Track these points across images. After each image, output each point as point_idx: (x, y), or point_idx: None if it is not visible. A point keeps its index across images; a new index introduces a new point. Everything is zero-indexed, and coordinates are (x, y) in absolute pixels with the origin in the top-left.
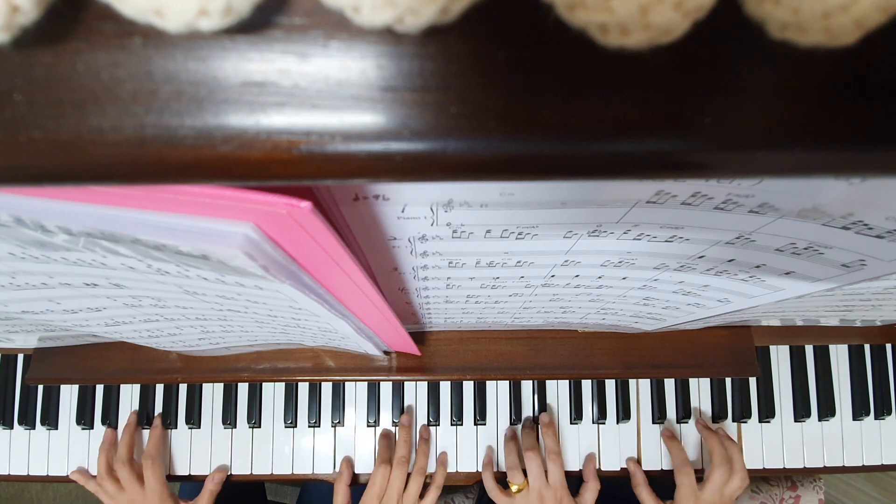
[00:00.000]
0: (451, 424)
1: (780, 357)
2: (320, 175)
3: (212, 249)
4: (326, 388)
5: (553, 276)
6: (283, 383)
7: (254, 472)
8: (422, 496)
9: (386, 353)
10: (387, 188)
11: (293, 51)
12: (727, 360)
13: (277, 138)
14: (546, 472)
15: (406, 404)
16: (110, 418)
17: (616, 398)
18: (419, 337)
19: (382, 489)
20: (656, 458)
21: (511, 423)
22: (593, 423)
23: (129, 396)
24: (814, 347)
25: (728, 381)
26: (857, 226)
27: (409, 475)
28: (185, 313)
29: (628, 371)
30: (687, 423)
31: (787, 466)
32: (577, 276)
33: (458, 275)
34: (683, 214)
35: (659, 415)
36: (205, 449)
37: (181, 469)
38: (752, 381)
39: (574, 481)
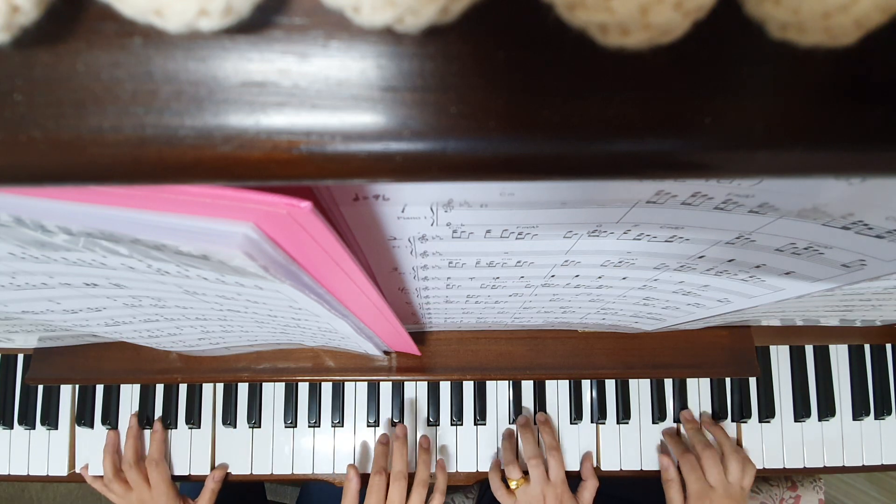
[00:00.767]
0: (451, 424)
1: (780, 357)
2: (320, 175)
3: (212, 249)
4: (326, 388)
5: (553, 276)
6: (283, 383)
7: (254, 472)
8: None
9: (386, 353)
10: (387, 188)
11: (293, 51)
12: (727, 360)
13: (277, 138)
14: (546, 469)
15: (404, 411)
16: (110, 418)
17: (616, 398)
18: (419, 337)
19: (380, 501)
20: (655, 459)
21: (511, 423)
22: (593, 423)
23: (129, 396)
24: (814, 347)
25: (728, 381)
26: (857, 226)
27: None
28: (185, 313)
29: (628, 371)
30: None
31: (787, 466)
32: (577, 276)
33: (458, 275)
34: (683, 214)
35: (659, 415)
36: (205, 449)
37: (181, 469)
38: (752, 381)
39: (574, 481)
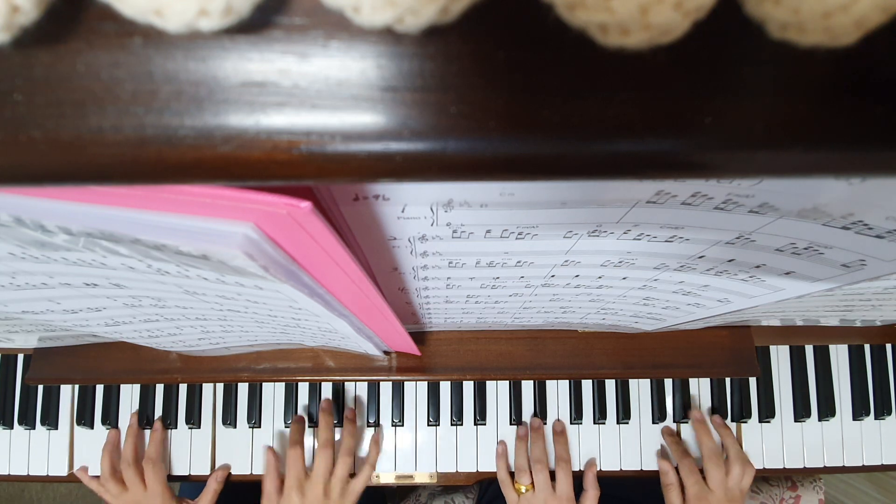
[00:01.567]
0: (451, 424)
1: (780, 357)
2: (320, 175)
3: (212, 249)
4: (326, 389)
5: (553, 276)
6: (283, 383)
7: (254, 472)
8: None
9: (386, 353)
10: (387, 188)
11: (293, 51)
12: (727, 360)
13: (277, 138)
14: (553, 480)
15: (404, 411)
16: (110, 418)
17: (616, 398)
18: (419, 337)
19: (299, 472)
20: (655, 459)
21: (511, 424)
22: (593, 423)
23: (129, 396)
24: (814, 347)
25: (728, 381)
26: (857, 226)
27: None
28: (185, 313)
29: (628, 371)
30: (686, 423)
31: (787, 466)
32: (577, 276)
33: (458, 275)
34: (683, 214)
35: (659, 415)
36: (205, 449)
37: (181, 469)
38: (752, 381)
39: (574, 482)
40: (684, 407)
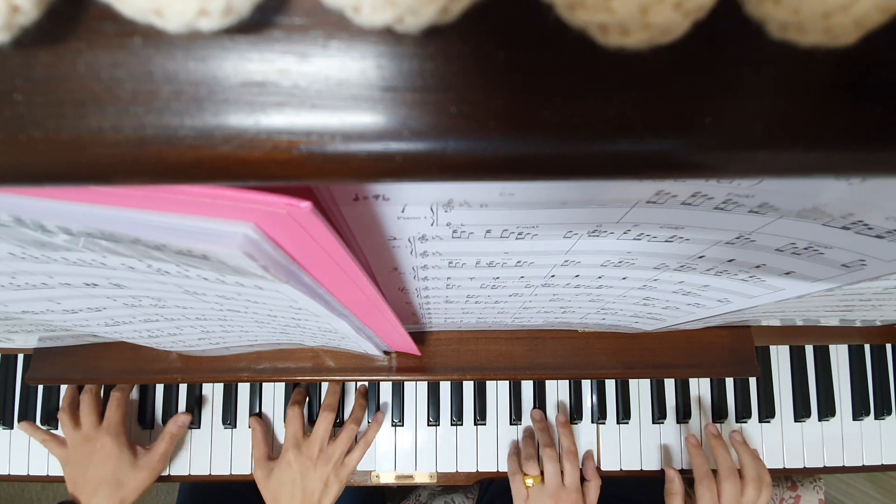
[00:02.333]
0: (451, 424)
1: (780, 357)
2: (320, 175)
3: (212, 249)
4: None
5: (553, 276)
6: (283, 383)
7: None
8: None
9: (386, 353)
10: (387, 188)
11: (293, 51)
12: (727, 360)
13: (277, 138)
14: (562, 472)
15: (404, 410)
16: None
17: (616, 398)
18: (419, 337)
19: (298, 431)
20: (655, 459)
21: (511, 424)
22: (593, 423)
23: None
24: (814, 347)
25: (728, 381)
26: (857, 226)
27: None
28: (185, 313)
29: (628, 371)
30: (686, 423)
31: (787, 466)
32: (577, 276)
33: (458, 275)
34: (683, 214)
35: (659, 415)
36: (205, 449)
37: (181, 469)
38: (752, 381)
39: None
40: (687, 407)
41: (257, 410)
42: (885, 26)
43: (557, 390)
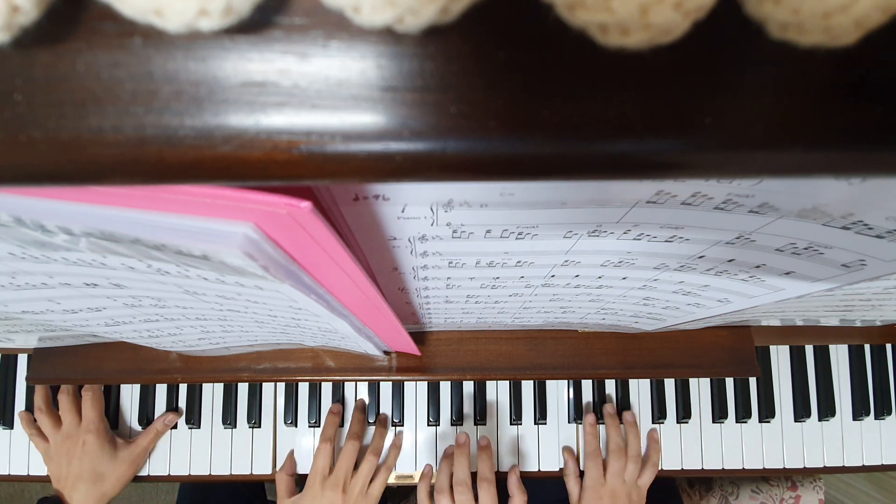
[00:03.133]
0: (452, 424)
1: (780, 357)
2: (320, 175)
3: (212, 249)
4: (326, 388)
5: (553, 276)
6: (283, 383)
7: (254, 472)
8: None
9: (386, 353)
10: (387, 188)
11: (293, 51)
12: (727, 360)
13: (277, 138)
14: (477, 501)
15: (404, 411)
16: (110, 418)
17: (616, 398)
18: (419, 337)
19: (326, 467)
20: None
21: (511, 424)
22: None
23: (129, 396)
24: (814, 347)
25: (728, 380)
26: (857, 226)
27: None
28: (185, 313)
29: (628, 371)
30: (686, 423)
31: (787, 466)
32: (577, 276)
33: (458, 275)
34: (683, 214)
35: (659, 414)
36: (205, 449)
37: (181, 469)
38: (752, 381)
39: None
40: (685, 407)
41: (258, 411)
42: (885, 26)
43: (557, 390)
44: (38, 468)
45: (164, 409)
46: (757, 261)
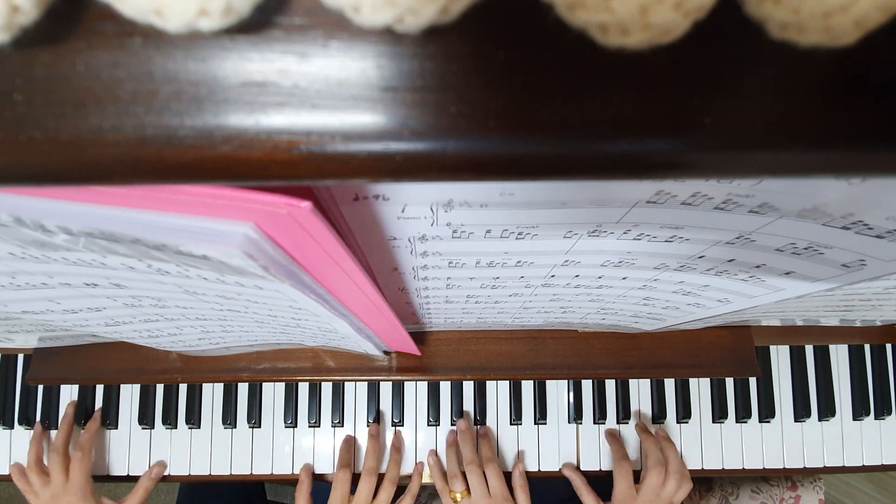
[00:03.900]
0: (452, 424)
1: (780, 357)
2: (320, 175)
3: (212, 249)
4: (326, 388)
5: (553, 276)
6: (283, 383)
7: (254, 472)
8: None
9: (386, 353)
10: (387, 188)
11: (293, 51)
12: (727, 360)
13: (277, 138)
14: (487, 481)
15: (404, 411)
16: (110, 419)
17: (616, 398)
18: (419, 337)
19: (345, 496)
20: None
21: (511, 424)
22: (594, 423)
23: (129, 396)
24: (814, 347)
25: (728, 380)
26: (857, 226)
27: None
28: (185, 313)
29: (628, 371)
30: (686, 423)
31: (787, 466)
32: (577, 276)
33: (458, 275)
34: (683, 214)
35: (659, 415)
36: (205, 449)
37: (181, 469)
38: (752, 381)
39: (559, 482)
40: (685, 407)
41: (258, 411)
42: (885, 26)
43: (557, 390)
44: None
45: (163, 409)
46: (757, 261)
